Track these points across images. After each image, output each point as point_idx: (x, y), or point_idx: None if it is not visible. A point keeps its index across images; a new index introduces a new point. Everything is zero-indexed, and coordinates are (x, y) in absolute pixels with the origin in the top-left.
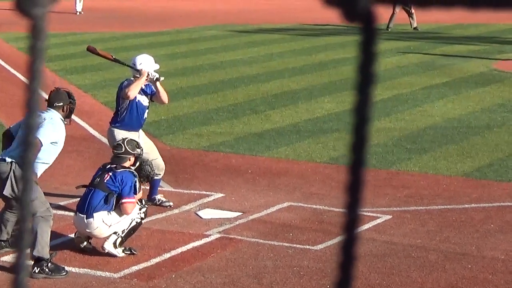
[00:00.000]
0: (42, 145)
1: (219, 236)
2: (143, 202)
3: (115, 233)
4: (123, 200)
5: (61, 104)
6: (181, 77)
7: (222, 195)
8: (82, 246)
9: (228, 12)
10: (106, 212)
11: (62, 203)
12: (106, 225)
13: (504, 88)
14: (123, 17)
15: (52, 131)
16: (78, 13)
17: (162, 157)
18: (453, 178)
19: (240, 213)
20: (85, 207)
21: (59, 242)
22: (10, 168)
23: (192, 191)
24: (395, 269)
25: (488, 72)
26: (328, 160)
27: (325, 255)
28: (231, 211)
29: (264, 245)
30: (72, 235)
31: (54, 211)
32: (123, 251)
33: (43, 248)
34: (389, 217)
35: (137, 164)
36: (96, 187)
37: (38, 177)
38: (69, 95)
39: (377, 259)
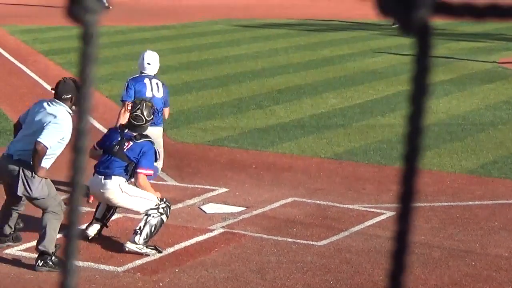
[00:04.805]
0: (47, 149)
1: (223, 231)
2: (164, 199)
3: (134, 231)
4: (138, 170)
5: (70, 96)
6: (185, 71)
7: (226, 189)
8: (90, 237)
9: (233, 7)
10: (124, 179)
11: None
12: (120, 189)
13: (509, 85)
14: (128, 11)
15: (56, 131)
16: None
17: (166, 151)
18: (457, 175)
19: (244, 208)
20: (104, 169)
21: (63, 235)
22: (19, 167)
23: (196, 186)
24: None
25: (493, 69)
26: (333, 155)
27: (329, 251)
28: (235, 206)
29: (267, 240)
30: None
31: None
32: (147, 247)
33: (50, 243)
34: (393, 213)
35: None
36: (115, 156)
37: (47, 169)
38: (76, 83)
39: (381, 255)
